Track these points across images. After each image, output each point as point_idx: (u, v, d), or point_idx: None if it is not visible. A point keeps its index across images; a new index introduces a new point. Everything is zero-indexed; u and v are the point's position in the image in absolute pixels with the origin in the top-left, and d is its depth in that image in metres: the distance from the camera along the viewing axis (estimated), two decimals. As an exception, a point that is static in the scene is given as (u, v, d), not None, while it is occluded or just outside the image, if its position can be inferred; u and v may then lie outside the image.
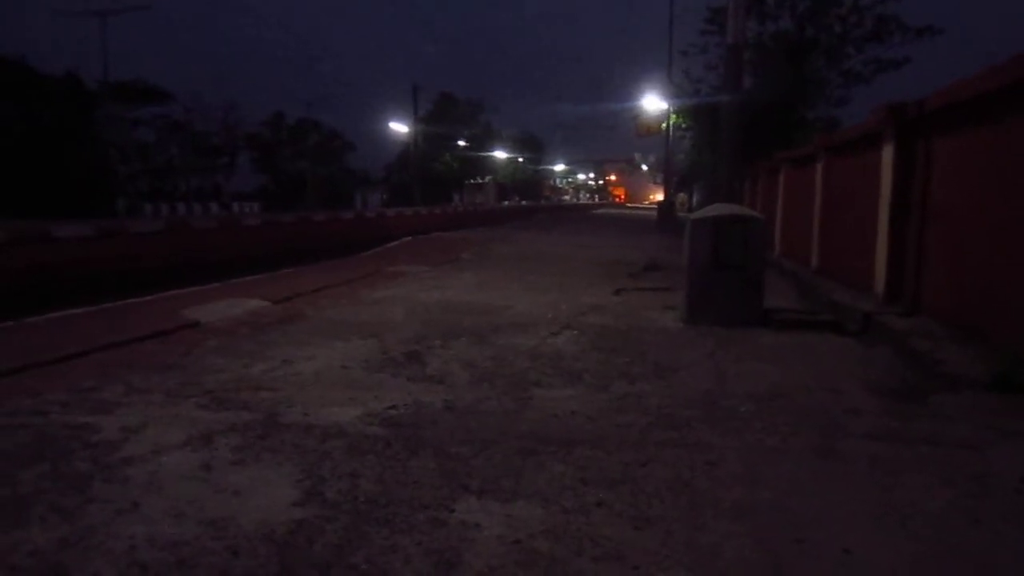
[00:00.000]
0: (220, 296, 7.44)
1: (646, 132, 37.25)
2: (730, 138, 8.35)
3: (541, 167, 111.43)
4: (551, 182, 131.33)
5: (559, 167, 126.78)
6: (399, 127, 62.71)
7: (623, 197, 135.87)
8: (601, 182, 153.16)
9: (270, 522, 2.35)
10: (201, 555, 2.14)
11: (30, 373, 4.32)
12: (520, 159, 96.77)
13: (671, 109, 27.86)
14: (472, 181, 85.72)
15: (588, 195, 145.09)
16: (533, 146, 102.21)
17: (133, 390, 3.93)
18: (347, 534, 2.28)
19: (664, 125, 29.40)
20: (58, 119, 38.57)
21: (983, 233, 4.89)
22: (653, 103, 33.03)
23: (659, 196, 38.69)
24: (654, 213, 33.67)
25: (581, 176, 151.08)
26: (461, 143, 76.70)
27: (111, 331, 5.53)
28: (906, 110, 6.05)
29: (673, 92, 26.38)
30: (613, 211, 53.14)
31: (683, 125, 30.85)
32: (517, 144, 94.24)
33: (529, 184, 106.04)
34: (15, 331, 5.78)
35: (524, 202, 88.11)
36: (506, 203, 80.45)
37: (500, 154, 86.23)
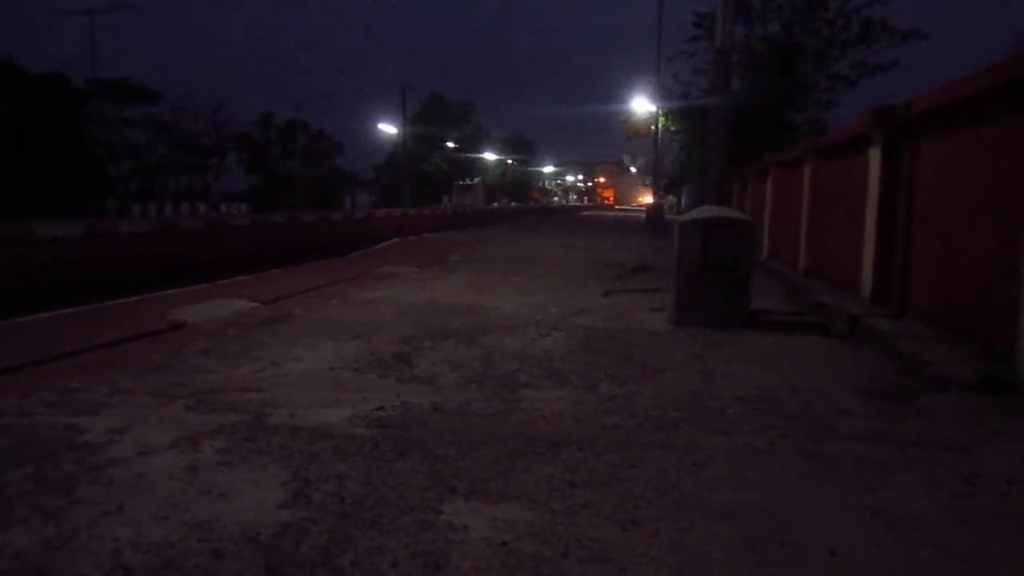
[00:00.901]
0: (208, 297, 7.41)
1: (635, 134, 37.38)
2: (719, 141, 8.36)
3: (530, 169, 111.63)
4: (540, 184, 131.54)
5: (548, 169, 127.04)
6: (388, 128, 62.69)
7: (612, 199, 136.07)
8: (590, 184, 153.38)
9: (256, 524, 2.34)
10: (186, 557, 2.13)
11: (17, 373, 4.29)
12: (510, 161, 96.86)
13: (660, 112, 27.95)
14: (461, 183, 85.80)
15: (576, 197, 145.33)
16: (523, 147, 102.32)
17: (119, 391, 3.91)
18: (333, 536, 2.27)
19: (653, 127, 29.49)
20: (47, 118, 38.38)
21: (970, 235, 4.92)
22: (642, 105, 33.12)
23: (648, 198, 38.81)
24: (643, 215, 33.77)
25: (570, 178, 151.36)
26: (450, 144, 76.73)
27: (98, 332, 5.49)
28: (893, 113, 6.09)
29: (662, 95, 26.46)
30: (602, 213, 53.30)
31: (672, 128, 30.97)
32: (507, 145, 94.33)
33: (518, 185, 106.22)
34: (2, 331, 5.73)
35: (513, 204, 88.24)
36: (495, 205, 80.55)
37: (489, 156, 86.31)
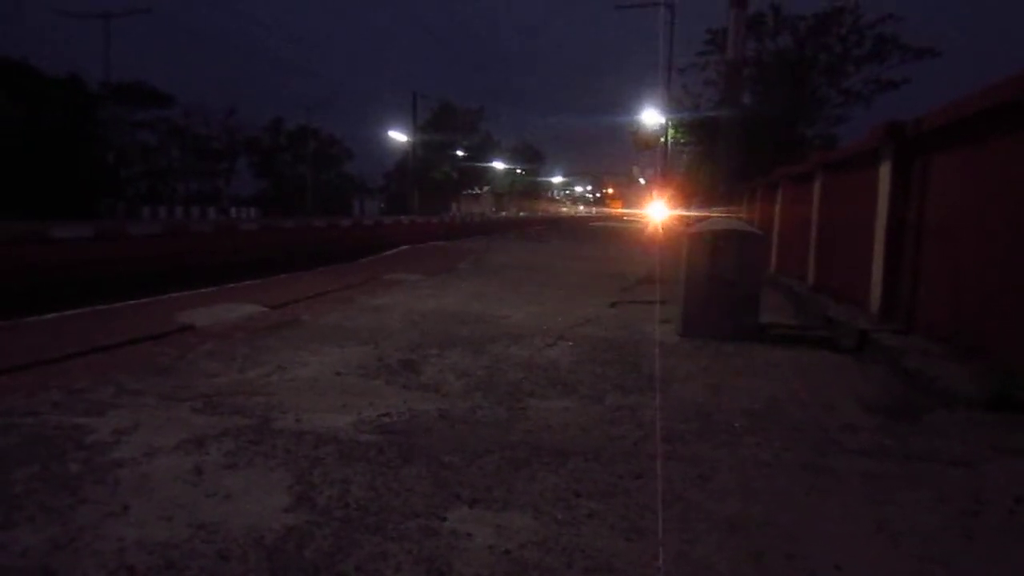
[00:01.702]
0: (216, 300, 7.43)
1: (644, 146, 37.36)
2: (728, 153, 8.37)
3: (539, 179, 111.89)
4: (549, 194, 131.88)
5: (557, 179, 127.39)
6: (398, 136, 62.90)
7: (620, 208, 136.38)
8: (599, 195, 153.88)
9: (260, 527, 2.34)
10: (190, 559, 2.13)
11: (24, 373, 4.30)
12: (518, 170, 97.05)
13: (668, 124, 27.99)
14: (470, 191, 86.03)
15: (583, 208, 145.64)
16: (532, 157, 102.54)
17: (126, 392, 3.92)
18: (337, 541, 2.27)
19: (662, 139, 29.53)
20: (61, 121, 38.67)
21: (980, 251, 4.91)
22: (652, 117, 33.13)
23: (655, 208, 38.72)
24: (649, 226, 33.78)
25: (579, 188, 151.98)
26: (460, 152, 76.95)
27: (106, 333, 5.52)
28: (904, 128, 6.08)
29: (672, 107, 26.51)
30: (611, 224, 53.28)
31: (681, 140, 31.03)
32: (516, 154, 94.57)
33: (527, 195, 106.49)
34: (10, 331, 5.76)
35: (522, 213, 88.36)
36: (503, 214, 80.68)
37: (499, 165, 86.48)
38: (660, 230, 28.70)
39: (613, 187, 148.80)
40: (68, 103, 40.28)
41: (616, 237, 29.26)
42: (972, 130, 5.09)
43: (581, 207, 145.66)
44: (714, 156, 17.15)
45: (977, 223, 4.98)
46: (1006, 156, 4.65)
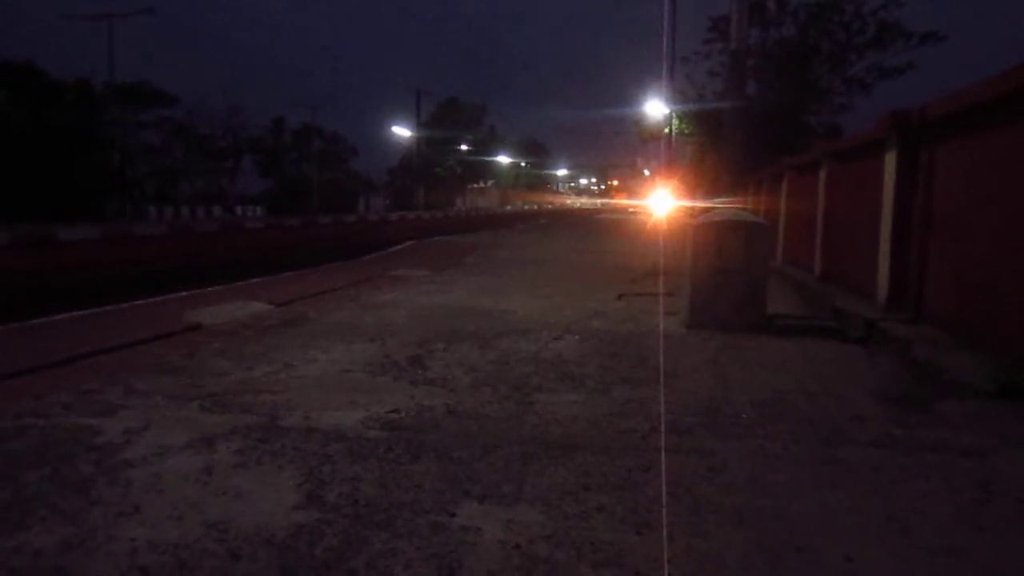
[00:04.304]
0: (223, 299, 7.45)
1: (649, 137, 37.27)
2: (732, 144, 8.34)
3: (544, 172, 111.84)
4: (553, 187, 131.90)
5: (562, 172, 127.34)
6: (402, 131, 62.87)
7: (625, 199, 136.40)
8: (603, 187, 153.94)
9: (271, 525, 2.35)
10: (202, 558, 2.14)
11: (34, 375, 4.32)
12: (523, 164, 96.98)
13: (673, 115, 27.87)
14: (475, 185, 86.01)
15: (587, 198, 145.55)
16: (536, 150, 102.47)
17: (136, 392, 3.94)
18: (347, 538, 2.28)
19: (667, 129, 29.43)
20: (68, 123, 38.75)
21: (987, 240, 4.88)
22: (656, 108, 32.99)
23: (656, 200, 38.50)
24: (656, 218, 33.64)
25: (583, 181, 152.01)
26: (464, 147, 76.93)
27: (114, 334, 5.54)
28: (909, 117, 6.05)
29: (676, 99, 26.40)
30: (617, 216, 53.12)
31: (686, 131, 30.91)
32: (520, 148, 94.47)
33: (532, 188, 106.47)
34: (19, 333, 5.79)
35: (527, 206, 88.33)
36: (508, 207, 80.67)
37: (503, 159, 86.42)
38: (665, 222, 28.61)
39: (618, 179, 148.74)
40: (75, 105, 40.40)
41: (621, 229, 29.18)
42: (978, 118, 5.06)
43: (585, 199, 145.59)
44: (718, 147, 17.10)
45: (984, 212, 4.95)
46: (1013, 144, 4.63)
